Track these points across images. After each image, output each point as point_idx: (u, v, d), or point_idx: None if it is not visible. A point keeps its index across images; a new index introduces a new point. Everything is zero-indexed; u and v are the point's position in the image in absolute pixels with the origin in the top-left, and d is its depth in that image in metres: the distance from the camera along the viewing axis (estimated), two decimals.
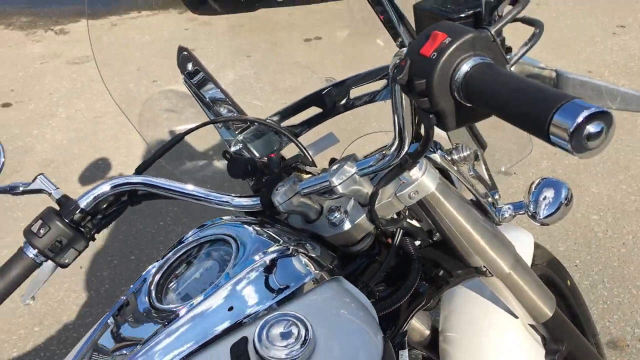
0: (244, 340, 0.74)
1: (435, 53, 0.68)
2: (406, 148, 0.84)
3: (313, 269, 0.88)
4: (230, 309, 0.80)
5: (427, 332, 1.39)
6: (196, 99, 1.22)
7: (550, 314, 1.22)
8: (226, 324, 0.78)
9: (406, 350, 1.09)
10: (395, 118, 0.82)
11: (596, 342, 1.75)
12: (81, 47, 4.58)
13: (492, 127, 1.11)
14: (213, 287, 0.83)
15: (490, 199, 1.06)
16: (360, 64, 1.18)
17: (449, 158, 0.99)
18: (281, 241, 0.91)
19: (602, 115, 0.58)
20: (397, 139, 0.84)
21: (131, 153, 3.37)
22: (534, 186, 1.09)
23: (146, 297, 0.86)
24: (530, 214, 1.06)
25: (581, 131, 0.57)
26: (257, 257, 0.86)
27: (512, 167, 1.26)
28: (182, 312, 0.81)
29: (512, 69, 0.77)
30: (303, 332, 0.73)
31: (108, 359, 0.82)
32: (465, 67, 0.68)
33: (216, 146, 1.22)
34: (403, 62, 0.71)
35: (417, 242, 1.07)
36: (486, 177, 1.09)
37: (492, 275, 1.08)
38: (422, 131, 0.80)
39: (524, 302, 1.18)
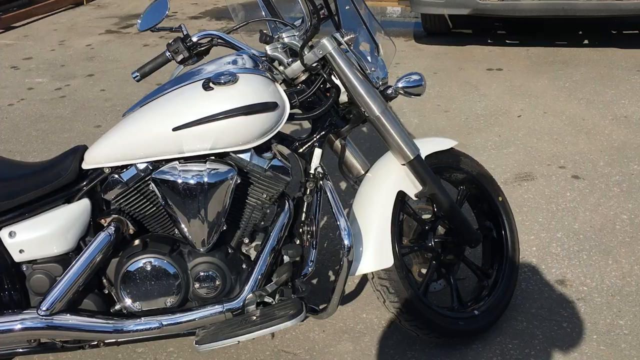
0: (210, 78, 1.78)
1: None
2: (309, 23, 1.80)
3: (262, 68, 1.87)
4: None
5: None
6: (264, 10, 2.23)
7: (412, 157, 2.02)
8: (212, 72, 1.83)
9: (321, 150, 2.02)
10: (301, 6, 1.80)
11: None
12: None
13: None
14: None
15: (370, 71, 1.95)
16: None
17: (344, 38, 1.91)
18: (261, 60, 1.92)
19: None
20: (307, 18, 1.80)
21: None
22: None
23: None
24: (394, 84, 1.94)
25: None
26: (242, 56, 1.90)
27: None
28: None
29: None
30: (230, 78, 1.75)
31: None
32: None
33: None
34: None
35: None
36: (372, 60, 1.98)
37: (370, 118, 1.96)
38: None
39: (391, 143, 2.02)
